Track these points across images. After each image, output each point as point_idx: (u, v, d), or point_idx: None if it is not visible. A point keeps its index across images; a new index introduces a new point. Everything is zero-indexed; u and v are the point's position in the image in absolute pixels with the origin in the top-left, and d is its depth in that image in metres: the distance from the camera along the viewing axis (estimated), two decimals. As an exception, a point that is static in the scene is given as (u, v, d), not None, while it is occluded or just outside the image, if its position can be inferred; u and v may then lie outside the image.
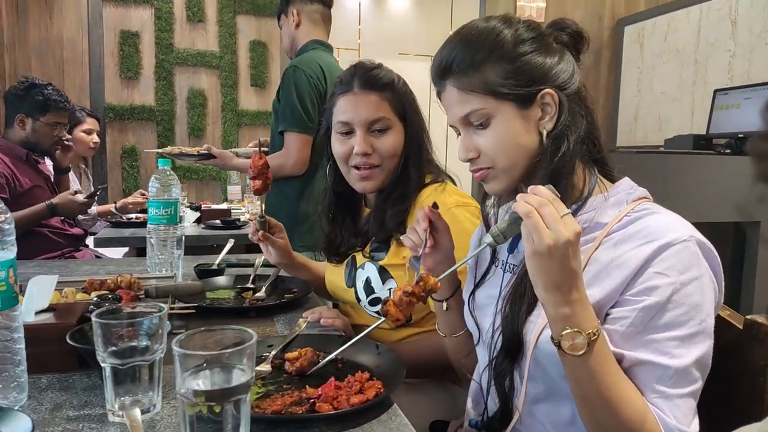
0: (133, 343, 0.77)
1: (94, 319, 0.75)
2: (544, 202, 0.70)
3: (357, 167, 1.22)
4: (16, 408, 0.76)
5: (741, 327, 0.85)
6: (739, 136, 3.26)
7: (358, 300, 1.26)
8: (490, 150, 0.84)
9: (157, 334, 0.78)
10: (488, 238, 0.77)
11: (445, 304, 0.98)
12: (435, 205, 0.94)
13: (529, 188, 0.73)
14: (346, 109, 1.21)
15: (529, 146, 0.83)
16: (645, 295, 0.74)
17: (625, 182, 0.88)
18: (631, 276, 0.75)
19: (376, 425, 0.75)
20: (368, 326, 1.23)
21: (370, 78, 1.21)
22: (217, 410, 0.65)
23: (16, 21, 3.55)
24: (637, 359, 0.74)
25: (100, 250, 2.74)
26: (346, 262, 1.32)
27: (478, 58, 0.82)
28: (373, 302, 1.23)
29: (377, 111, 1.20)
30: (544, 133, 0.83)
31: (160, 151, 2.47)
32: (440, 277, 0.86)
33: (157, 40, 3.82)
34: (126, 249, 2.74)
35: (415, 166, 1.24)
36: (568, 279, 0.70)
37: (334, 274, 1.36)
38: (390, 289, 1.18)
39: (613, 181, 0.89)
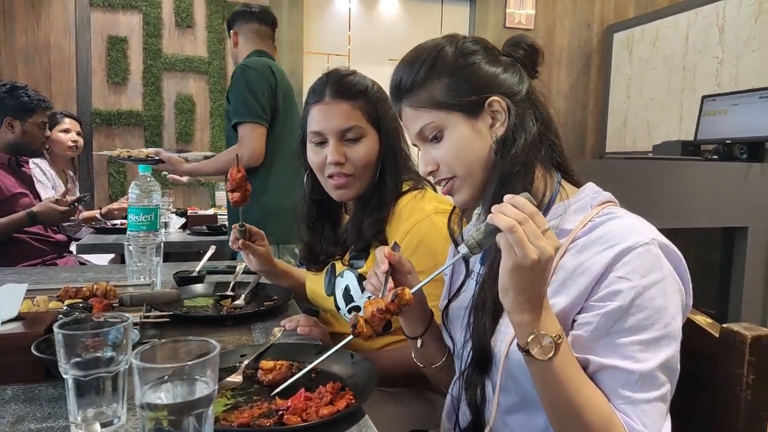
0: (98, 354, 0.75)
1: (56, 330, 0.73)
2: (526, 218, 0.68)
3: (332, 176, 1.21)
4: (-25, 421, 0.74)
5: (717, 335, 0.84)
6: (727, 142, 3.28)
7: (338, 308, 1.24)
8: (446, 160, 0.86)
9: (121, 345, 0.76)
10: (463, 249, 0.75)
11: (419, 341, 0.96)
12: (395, 246, 0.92)
13: (506, 198, 0.71)
14: (318, 118, 1.20)
15: (482, 152, 0.85)
16: (608, 300, 0.74)
17: (590, 187, 0.88)
18: (595, 281, 0.75)
19: (346, 438, 0.74)
20: (348, 333, 1.23)
21: (341, 86, 1.19)
22: (178, 424, 0.63)
23: (3, 25, 3.52)
24: (602, 364, 0.74)
25: (86, 256, 2.71)
26: (325, 270, 1.31)
27: (421, 75, 0.86)
28: (353, 311, 1.22)
29: (348, 120, 1.18)
30: (496, 138, 0.85)
31: (109, 153, 2.48)
32: (414, 289, 0.85)
33: (145, 45, 3.80)
34: (112, 255, 2.72)
35: (391, 173, 1.22)
36: (541, 291, 0.70)
37: (314, 282, 1.35)
38: (369, 297, 1.17)
39: (578, 186, 0.89)
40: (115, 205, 2.96)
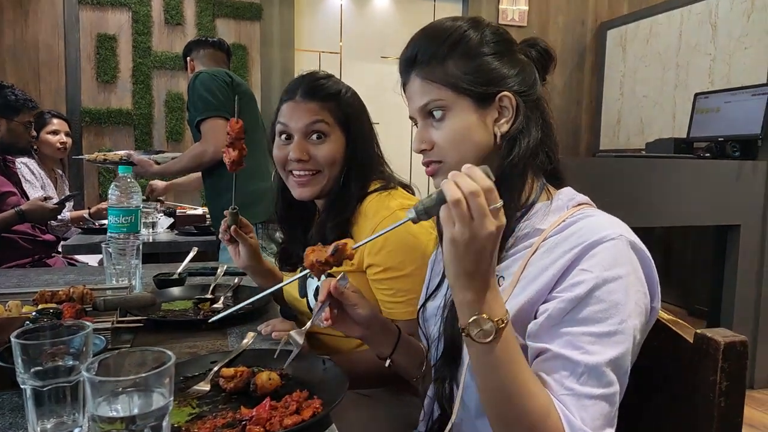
0: (58, 363, 0.74)
1: (13, 339, 0.71)
2: (477, 192, 0.65)
3: (293, 173, 1.21)
4: (-68, 432, 0.72)
5: (692, 341, 0.83)
6: (719, 139, 3.27)
7: (311, 309, 1.23)
8: (443, 142, 0.85)
9: (82, 353, 0.74)
10: (411, 213, 0.73)
11: (387, 362, 0.96)
12: (343, 278, 0.91)
13: (464, 168, 0.68)
14: (287, 115, 1.21)
15: (480, 144, 0.84)
16: (568, 291, 0.73)
17: (566, 191, 0.88)
18: (560, 274, 0.75)
19: (309, 448, 0.72)
20: (325, 333, 1.22)
21: (313, 87, 1.20)
22: (132, 437, 0.62)
23: (-10, 24, 3.50)
24: (550, 351, 0.73)
25: (77, 255, 2.70)
26: (298, 270, 1.30)
27: (441, 51, 0.84)
28: None
29: (314, 118, 1.19)
30: (499, 134, 0.84)
31: (86, 157, 2.52)
32: (355, 246, 0.83)
33: (135, 43, 3.77)
34: (100, 256, 2.70)
35: (357, 176, 1.22)
36: (482, 269, 0.68)
37: (289, 284, 1.33)
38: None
39: (558, 188, 0.89)
40: (103, 205, 2.94)
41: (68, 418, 0.74)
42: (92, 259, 2.78)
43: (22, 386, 0.72)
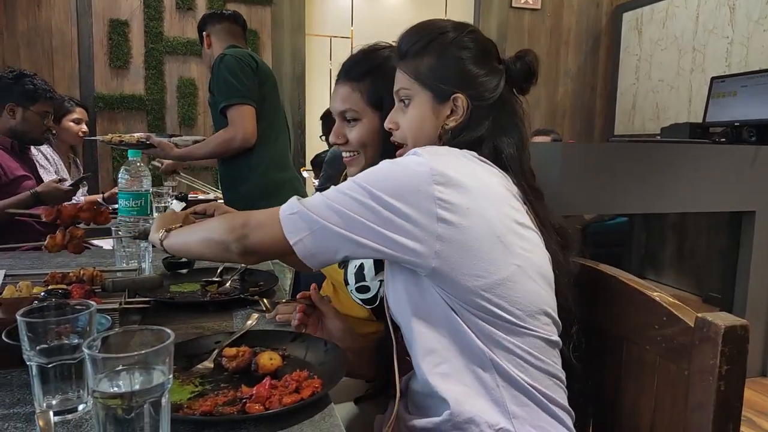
0: (63, 341, 0.75)
1: (18, 317, 0.73)
2: None
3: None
4: (-57, 407, 0.74)
5: (692, 325, 0.83)
6: (735, 124, 3.21)
7: (347, 283, 1.24)
8: (403, 126, 0.99)
9: (87, 332, 0.76)
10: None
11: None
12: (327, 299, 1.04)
13: None
14: (332, 98, 1.25)
15: (431, 133, 0.96)
16: None
17: None
18: None
19: (308, 426, 0.73)
20: (346, 314, 1.23)
21: (347, 68, 1.20)
22: (130, 411, 0.63)
23: (4, 9, 3.52)
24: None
25: (90, 240, 2.73)
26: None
27: (417, 47, 0.96)
28: (361, 289, 1.22)
29: (344, 102, 1.19)
30: (442, 130, 0.95)
31: (100, 138, 2.49)
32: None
33: (147, 28, 3.78)
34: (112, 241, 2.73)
35: (388, 155, 1.20)
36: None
37: None
38: (381, 281, 1.17)
39: None
40: (117, 190, 2.98)
41: (73, 395, 0.76)
42: (107, 243, 2.81)
43: (27, 363, 0.74)
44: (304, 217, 0.84)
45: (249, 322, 1.05)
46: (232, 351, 0.88)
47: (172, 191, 3.00)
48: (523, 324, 0.84)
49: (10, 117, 2.41)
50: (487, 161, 0.90)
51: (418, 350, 0.86)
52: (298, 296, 1.05)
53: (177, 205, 2.80)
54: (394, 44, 1.26)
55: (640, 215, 4.15)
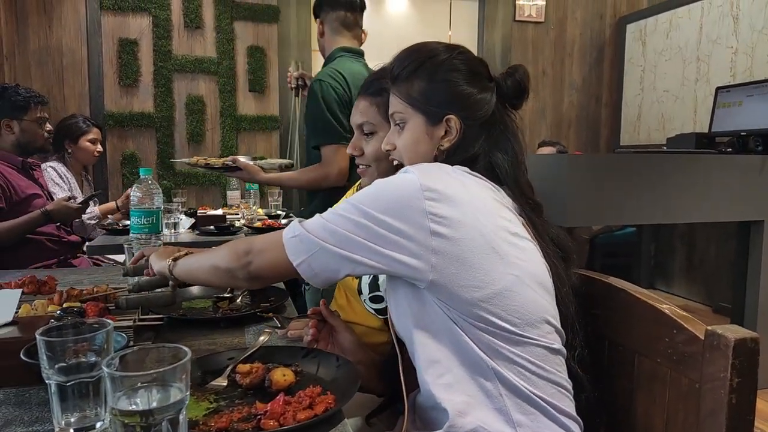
0: (81, 360, 0.77)
1: (38, 336, 0.75)
2: None
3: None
4: (-37, 425, 0.76)
5: (702, 338, 0.83)
6: (742, 134, 3.21)
7: (360, 292, 1.26)
8: (400, 147, 1.02)
9: (104, 350, 0.77)
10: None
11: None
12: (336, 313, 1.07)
13: None
14: (352, 112, 1.30)
15: (426, 154, 0.99)
16: None
17: None
18: None
19: (322, 442, 0.74)
20: (359, 323, 1.24)
21: (366, 84, 1.25)
22: (151, 429, 0.64)
23: (16, 29, 3.59)
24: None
25: (101, 255, 2.76)
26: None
27: (407, 70, 0.98)
28: (375, 299, 1.24)
29: (363, 116, 1.24)
30: (439, 149, 0.98)
31: (186, 161, 2.48)
32: None
33: (156, 47, 3.84)
34: (123, 256, 2.76)
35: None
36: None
37: None
38: None
39: None
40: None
41: (91, 412, 0.77)
42: (120, 258, 2.85)
43: (46, 381, 0.75)
44: (305, 239, 0.86)
45: (261, 338, 1.06)
46: (246, 367, 0.89)
47: (182, 207, 3.03)
48: (522, 333, 0.84)
49: (8, 132, 2.44)
50: (478, 175, 0.92)
51: (422, 362, 0.87)
52: (309, 312, 1.08)
53: (186, 221, 2.83)
54: None
55: (648, 226, 4.14)
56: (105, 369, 0.63)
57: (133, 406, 0.65)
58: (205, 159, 2.40)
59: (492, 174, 0.95)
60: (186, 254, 1.08)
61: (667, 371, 0.90)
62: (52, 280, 1.33)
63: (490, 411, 0.84)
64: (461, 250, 0.82)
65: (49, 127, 2.60)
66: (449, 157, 0.97)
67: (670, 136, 3.76)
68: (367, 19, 4.36)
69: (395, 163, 1.05)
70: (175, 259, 1.07)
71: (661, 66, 4.36)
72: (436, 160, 0.98)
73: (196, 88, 3.95)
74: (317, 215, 0.90)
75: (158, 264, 1.11)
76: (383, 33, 4.38)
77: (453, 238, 0.82)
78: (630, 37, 4.69)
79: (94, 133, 3.18)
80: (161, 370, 0.64)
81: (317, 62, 4.23)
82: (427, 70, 0.97)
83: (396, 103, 1.00)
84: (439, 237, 0.82)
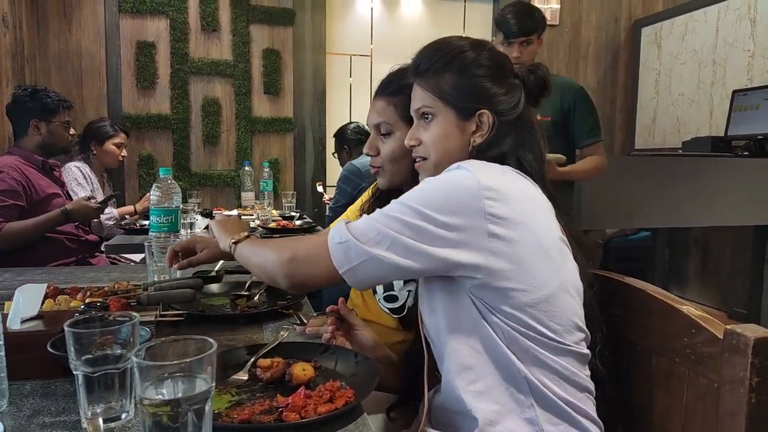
0: (107, 352, 0.78)
1: (66, 328, 0.76)
2: None
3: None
4: (-6, 414, 0.78)
5: (721, 337, 0.83)
6: (758, 137, 3.19)
7: (374, 291, 1.27)
8: (427, 142, 1.00)
9: (130, 343, 0.79)
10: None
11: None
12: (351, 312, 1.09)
13: None
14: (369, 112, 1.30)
15: (457, 150, 0.98)
16: None
17: None
18: None
19: (342, 435, 0.75)
20: (374, 321, 1.25)
21: (385, 84, 1.26)
22: (176, 418, 0.66)
23: (37, 33, 3.65)
24: None
25: (119, 254, 2.81)
26: None
27: (438, 65, 0.98)
28: (389, 299, 1.25)
29: (380, 115, 1.24)
30: (472, 144, 0.97)
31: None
32: None
33: (173, 50, 3.88)
34: (142, 255, 2.80)
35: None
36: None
37: None
38: (409, 291, 1.19)
39: None
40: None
41: (116, 404, 0.79)
42: (136, 258, 2.88)
43: (74, 372, 0.77)
44: (353, 247, 0.84)
45: (281, 333, 1.08)
46: (267, 362, 0.90)
47: (198, 207, 3.06)
48: (561, 340, 0.85)
49: (35, 133, 2.50)
50: (524, 174, 0.92)
51: (453, 367, 0.87)
52: (327, 310, 1.08)
53: (202, 221, 2.86)
54: None
55: (663, 230, 4.11)
56: (134, 358, 0.65)
57: (160, 396, 0.67)
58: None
59: (521, 172, 0.95)
60: (247, 237, 1.09)
61: (686, 371, 0.90)
62: (75, 291, 1.33)
63: (520, 421, 0.84)
64: (516, 253, 0.81)
65: (72, 131, 2.66)
66: (479, 153, 0.96)
67: (685, 140, 3.74)
68: (381, 21, 4.40)
69: (417, 159, 1.04)
70: (236, 242, 1.08)
71: (676, 69, 4.34)
72: (467, 156, 0.97)
73: (212, 90, 3.99)
74: (365, 217, 0.88)
75: (223, 241, 1.12)
76: (397, 36, 4.40)
77: (510, 239, 0.81)
78: (645, 41, 4.66)
79: (121, 138, 3.25)
80: (188, 360, 0.66)
81: (331, 65, 4.26)
82: (458, 64, 0.97)
83: (423, 97, 0.99)
84: (496, 238, 0.81)
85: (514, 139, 0.96)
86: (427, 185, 0.86)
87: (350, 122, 3.53)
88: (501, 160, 0.94)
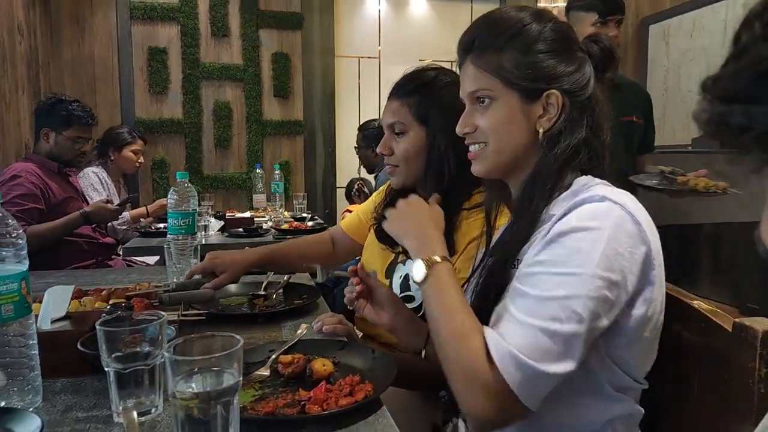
0: (136, 349, 0.82)
1: (98, 327, 0.80)
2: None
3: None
4: (30, 410, 0.81)
5: (730, 330, 0.85)
6: (769, 133, 3.18)
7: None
8: (485, 128, 0.89)
9: (158, 341, 0.83)
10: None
11: (423, 353, 1.01)
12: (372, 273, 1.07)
13: None
14: (383, 113, 1.32)
15: (520, 136, 0.87)
16: (540, 238, 0.79)
17: (584, 178, 0.88)
18: (543, 242, 0.79)
19: (363, 426, 0.78)
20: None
21: (399, 85, 1.29)
22: (207, 411, 0.69)
23: (50, 40, 3.71)
24: (511, 291, 0.79)
25: (135, 257, 2.86)
26: (395, 252, 1.34)
27: (498, 42, 0.86)
28: (406, 299, 1.26)
29: (394, 115, 1.27)
30: (540, 131, 0.86)
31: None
32: None
33: (184, 55, 3.94)
34: (157, 257, 2.84)
35: (433, 171, 1.24)
36: (417, 225, 0.93)
37: (375, 260, 1.39)
38: None
39: None
40: (162, 201, 3.13)
41: (146, 399, 0.82)
42: (150, 260, 2.93)
43: (106, 369, 0.81)
44: (539, 377, 0.72)
45: (299, 331, 1.11)
46: (288, 358, 0.93)
47: (211, 210, 3.11)
48: (636, 378, 0.86)
49: (45, 141, 2.55)
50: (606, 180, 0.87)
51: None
52: (348, 270, 1.04)
53: (216, 224, 2.90)
54: (439, 67, 1.32)
55: (674, 226, 4.10)
56: (166, 354, 0.68)
57: (190, 389, 0.70)
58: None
59: (594, 166, 0.88)
60: (443, 260, 0.88)
61: (696, 365, 0.93)
62: (98, 291, 1.37)
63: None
64: (655, 295, 0.79)
65: (86, 147, 2.67)
66: (554, 144, 0.86)
67: (695, 136, 3.74)
68: (387, 21, 4.43)
69: (472, 147, 0.92)
70: (428, 272, 0.87)
71: (685, 66, 4.33)
72: (536, 144, 0.87)
73: (223, 94, 4.04)
74: (519, 324, 0.74)
75: (417, 270, 0.89)
76: (404, 37, 4.43)
77: (659, 282, 0.80)
78: (653, 38, 4.66)
79: (138, 145, 3.32)
80: (217, 355, 0.69)
81: (340, 67, 4.29)
82: (521, 40, 0.85)
83: (481, 78, 0.87)
84: (651, 285, 0.78)
85: (590, 124, 0.87)
86: (585, 245, 0.75)
87: (374, 119, 3.52)
88: (572, 153, 0.86)
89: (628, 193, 0.81)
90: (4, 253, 0.81)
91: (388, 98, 1.29)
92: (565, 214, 0.79)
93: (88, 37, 3.81)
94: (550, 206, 0.86)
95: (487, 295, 0.86)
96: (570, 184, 0.86)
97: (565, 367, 0.72)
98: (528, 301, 0.74)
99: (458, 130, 0.92)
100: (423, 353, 1.01)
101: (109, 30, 3.84)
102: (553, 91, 0.85)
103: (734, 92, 0.22)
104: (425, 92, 1.25)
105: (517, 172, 0.91)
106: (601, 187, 0.82)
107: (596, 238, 0.74)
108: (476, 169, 0.93)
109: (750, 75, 0.21)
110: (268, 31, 4.08)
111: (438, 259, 0.85)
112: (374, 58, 4.40)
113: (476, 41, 0.88)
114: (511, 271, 0.85)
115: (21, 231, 0.84)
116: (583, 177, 0.88)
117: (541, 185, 0.85)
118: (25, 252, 0.84)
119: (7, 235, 0.82)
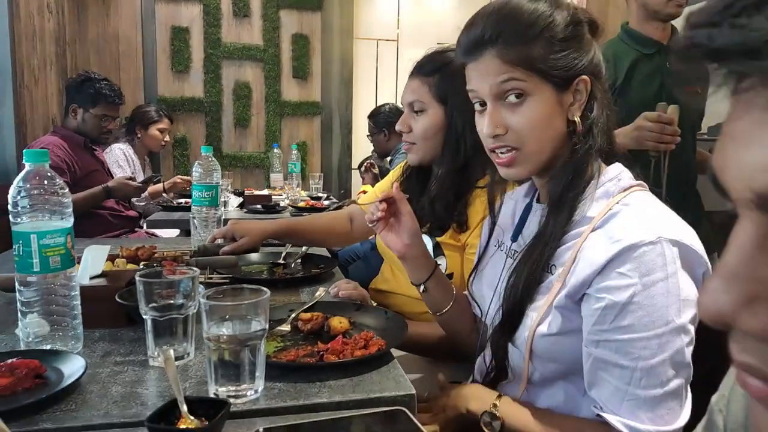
0: (170, 301, 0.90)
1: (138, 278, 0.88)
2: None
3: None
4: (73, 353, 0.90)
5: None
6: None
7: None
8: (520, 129, 0.83)
9: (190, 294, 0.90)
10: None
11: (422, 287, 1.04)
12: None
13: None
14: (403, 91, 1.35)
15: (558, 131, 0.85)
16: (605, 293, 0.75)
17: (613, 169, 0.86)
18: (596, 274, 0.76)
19: (376, 375, 0.85)
20: (400, 294, 1.34)
21: (420, 65, 1.32)
22: (237, 354, 0.77)
23: (77, 19, 3.80)
24: (604, 360, 0.76)
25: (156, 231, 2.96)
26: None
27: (530, 33, 0.82)
28: None
29: (414, 94, 1.31)
30: (577, 120, 0.84)
31: None
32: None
33: (206, 34, 4.01)
34: (177, 231, 2.94)
35: (450, 149, 1.28)
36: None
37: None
38: (438, 265, 1.26)
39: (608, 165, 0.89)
40: (176, 179, 3.19)
41: (179, 346, 0.90)
42: (170, 234, 3.03)
43: (144, 317, 0.89)
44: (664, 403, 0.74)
45: (317, 293, 1.18)
46: (307, 315, 1.01)
47: (230, 187, 3.19)
48: None
49: (72, 118, 2.64)
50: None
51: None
52: (381, 196, 1.01)
53: (235, 200, 2.99)
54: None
55: (688, 214, 4.11)
56: (201, 300, 0.76)
57: (220, 333, 0.78)
58: None
59: (611, 151, 0.88)
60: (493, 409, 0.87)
61: (712, 361, 0.96)
62: (129, 253, 1.46)
63: None
64: None
65: (112, 125, 2.76)
66: (589, 132, 0.84)
67: (711, 125, 3.74)
68: (407, 6, 4.45)
69: (502, 152, 0.87)
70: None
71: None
72: (568, 135, 0.85)
73: (243, 74, 4.11)
74: (643, 401, 0.74)
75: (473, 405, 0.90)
76: (424, 22, 4.45)
77: None
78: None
79: (164, 124, 3.41)
80: (248, 302, 0.77)
81: (358, 50, 4.34)
82: (549, 31, 0.83)
83: (509, 72, 0.83)
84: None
85: (603, 108, 0.86)
86: (658, 296, 0.74)
87: (384, 104, 3.49)
88: (610, 145, 0.86)
89: (671, 213, 0.80)
90: (53, 209, 0.89)
91: (409, 76, 1.32)
92: (605, 221, 0.79)
93: (113, 16, 3.89)
94: (580, 198, 0.84)
95: (516, 294, 0.86)
96: (593, 174, 0.85)
97: (688, 411, 0.75)
98: (637, 373, 0.74)
99: (488, 131, 0.85)
100: (422, 287, 1.03)
101: (133, 9, 3.91)
102: (583, 77, 0.84)
103: (703, 20, 0.28)
104: (446, 72, 1.28)
105: (550, 165, 0.88)
106: (642, 212, 0.79)
107: (667, 288, 0.73)
108: (514, 173, 0.88)
109: (717, 4, 0.28)
110: (288, 12, 4.13)
111: (497, 400, 0.87)
112: (392, 40, 4.43)
113: (501, 35, 0.82)
114: (544, 274, 0.85)
115: (66, 190, 0.91)
116: (610, 167, 0.87)
117: (577, 177, 0.84)
118: (70, 210, 0.92)
119: (54, 194, 0.90)
